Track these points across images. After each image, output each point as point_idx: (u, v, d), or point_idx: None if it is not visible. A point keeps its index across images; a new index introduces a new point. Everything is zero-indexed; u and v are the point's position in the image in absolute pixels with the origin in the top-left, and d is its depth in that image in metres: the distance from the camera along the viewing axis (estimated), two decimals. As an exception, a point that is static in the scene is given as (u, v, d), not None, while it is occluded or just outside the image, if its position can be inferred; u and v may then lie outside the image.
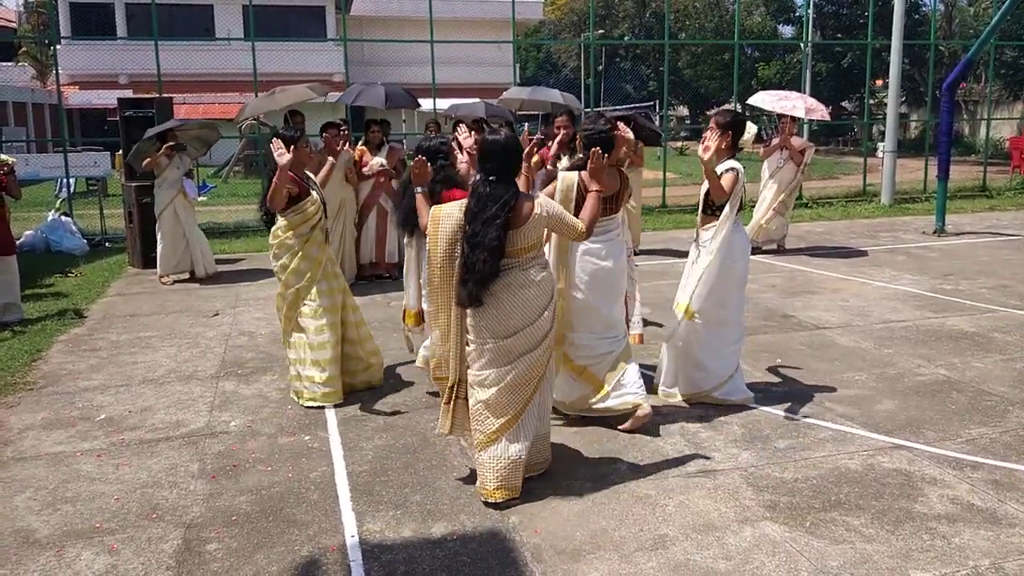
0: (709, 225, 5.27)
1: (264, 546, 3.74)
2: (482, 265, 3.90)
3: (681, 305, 5.35)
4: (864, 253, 11.09)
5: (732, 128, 5.28)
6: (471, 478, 4.33)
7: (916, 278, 9.34)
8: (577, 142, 5.71)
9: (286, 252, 5.47)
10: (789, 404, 5.39)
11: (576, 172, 4.84)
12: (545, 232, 4.28)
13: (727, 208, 5.13)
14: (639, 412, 4.86)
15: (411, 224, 5.10)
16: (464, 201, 4.10)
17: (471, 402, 4.17)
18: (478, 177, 4.09)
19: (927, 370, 6.06)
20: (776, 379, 5.90)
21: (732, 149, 5.28)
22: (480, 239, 3.92)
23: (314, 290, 5.48)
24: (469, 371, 4.15)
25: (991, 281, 9.09)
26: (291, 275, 5.46)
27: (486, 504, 4.05)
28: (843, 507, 4.00)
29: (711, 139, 5.10)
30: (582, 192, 4.66)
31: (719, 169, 5.13)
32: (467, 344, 4.14)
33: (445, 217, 4.11)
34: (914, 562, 3.52)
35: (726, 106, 36.29)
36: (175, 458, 4.72)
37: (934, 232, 12.60)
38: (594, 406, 4.96)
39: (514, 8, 15.44)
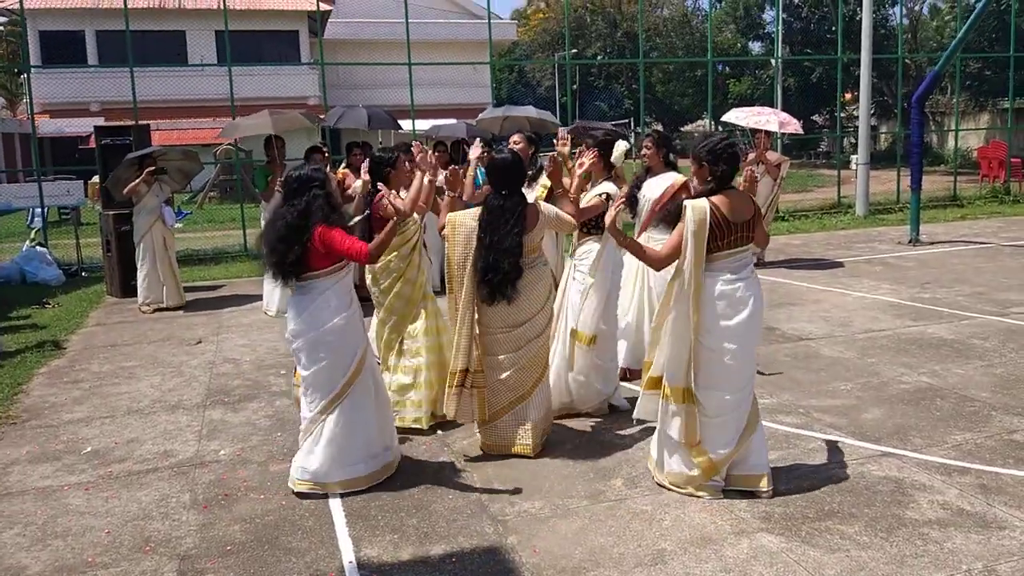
0: (586, 240, 5.54)
1: (261, 575, 3.70)
2: (507, 266, 4.61)
3: (580, 334, 5.45)
4: (842, 264, 11.23)
5: (601, 148, 5.51)
6: (467, 500, 4.36)
7: (894, 287, 9.47)
8: (577, 158, 5.69)
9: (388, 276, 5.36)
10: (778, 415, 5.44)
11: (706, 199, 4.24)
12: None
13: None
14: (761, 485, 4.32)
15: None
16: (477, 210, 4.76)
17: (491, 380, 4.84)
18: (491, 193, 4.76)
19: (910, 378, 6.14)
20: (763, 390, 5.94)
21: (607, 169, 5.55)
22: (501, 245, 4.61)
23: (421, 315, 5.45)
24: (487, 356, 4.84)
25: (967, 288, 9.23)
26: (395, 299, 5.39)
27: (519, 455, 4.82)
28: (836, 516, 4.04)
29: (586, 158, 5.41)
30: (717, 219, 4.17)
31: (594, 192, 5.45)
32: (484, 334, 4.83)
33: (459, 225, 4.79)
34: (909, 568, 3.55)
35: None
36: (165, 489, 4.67)
37: (909, 242, 12.78)
38: (700, 485, 4.31)
39: (490, 29, 15.57)
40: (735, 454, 4.26)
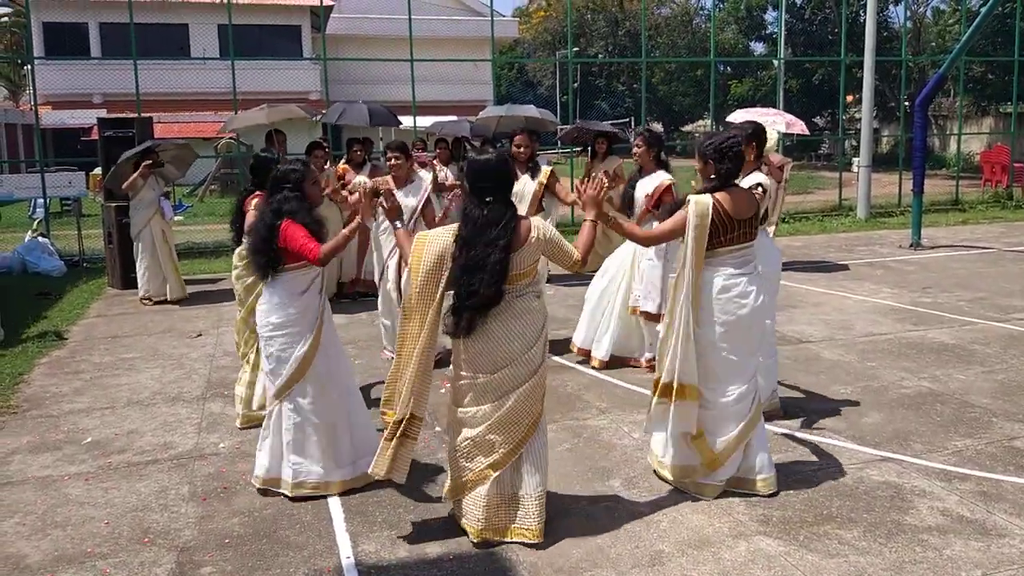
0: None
1: (259, 569, 3.71)
2: (485, 289, 3.66)
3: None
4: (843, 267, 11.22)
5: (754, 138, 5.11)
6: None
7: (895, 291, 9.46)
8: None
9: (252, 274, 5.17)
10: (777, 418, 5.43)
11: (710, 195, 4.21)
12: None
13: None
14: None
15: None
16: (455, 227, 3.84)
17: (458, 440, 3.92)
18: (470, 201, 3.84)
19: (911, 383, 6.14)
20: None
21: (757, 160, 5.18)
22: (481, 263, 3.68)
23: None
24: (457, 408, 3.92)
25: (968, 294, 9.23)
26: (256, 298, 5.13)
27: (474, 544, 3.86)
28: (835, 520, 4.03)
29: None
30: (720, 215, 4.15)
31: (746, 183, 4.81)
32: (458, 379, 3.91)
33: (431, 242, 3.85)
34: (907, 574, 3.55)
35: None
36: (165, 481, 4.67)
37: (910, 246, 12.77)
38: (699, 481, 4.33)
39: (493, 26, 15.55)
40: (735, 449, 4.26)
